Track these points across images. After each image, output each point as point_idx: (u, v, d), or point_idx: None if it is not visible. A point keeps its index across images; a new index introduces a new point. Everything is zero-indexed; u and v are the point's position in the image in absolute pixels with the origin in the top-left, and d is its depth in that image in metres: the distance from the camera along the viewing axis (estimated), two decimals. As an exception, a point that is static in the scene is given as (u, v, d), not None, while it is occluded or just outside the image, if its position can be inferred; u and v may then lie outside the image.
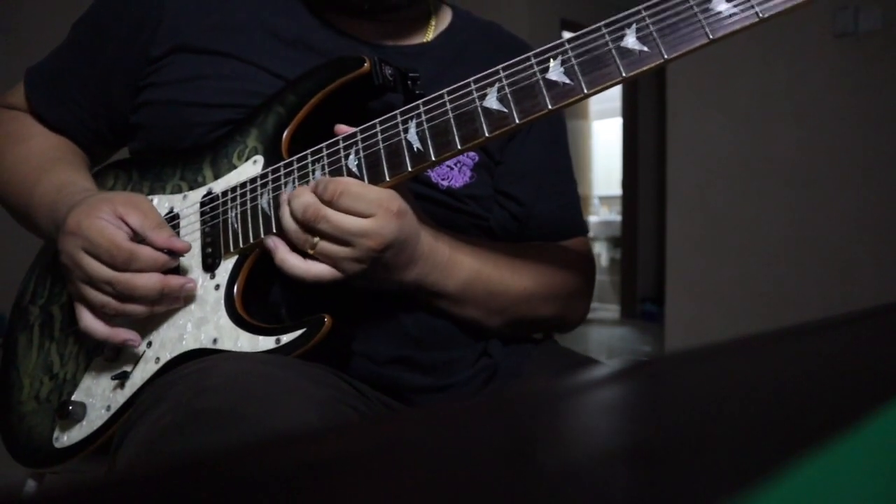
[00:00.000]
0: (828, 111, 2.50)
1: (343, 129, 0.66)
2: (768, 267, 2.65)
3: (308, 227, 0.62)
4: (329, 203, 0.61)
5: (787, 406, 0.23)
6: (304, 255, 0.64)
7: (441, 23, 0.84)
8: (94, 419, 0.71)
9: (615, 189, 5.52)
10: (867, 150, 2.42)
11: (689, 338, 2.88)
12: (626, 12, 0.59)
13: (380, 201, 0.62)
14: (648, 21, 0.57)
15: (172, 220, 0.74)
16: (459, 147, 0.61)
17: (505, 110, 0.60)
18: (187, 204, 0.74)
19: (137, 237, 0.67)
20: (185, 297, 0.69)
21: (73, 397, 0.74)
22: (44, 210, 0.74)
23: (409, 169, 0.63)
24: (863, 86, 2.42)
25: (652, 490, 0.15)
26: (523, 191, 0.83)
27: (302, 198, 0.62)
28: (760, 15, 0.55)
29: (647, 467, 0.17)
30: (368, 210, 0.61)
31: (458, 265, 0.71)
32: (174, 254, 0.68)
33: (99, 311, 0.68)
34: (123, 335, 0.69)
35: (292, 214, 0.63)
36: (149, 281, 0.66)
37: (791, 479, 0.15)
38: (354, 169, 0.64)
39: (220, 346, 0.66)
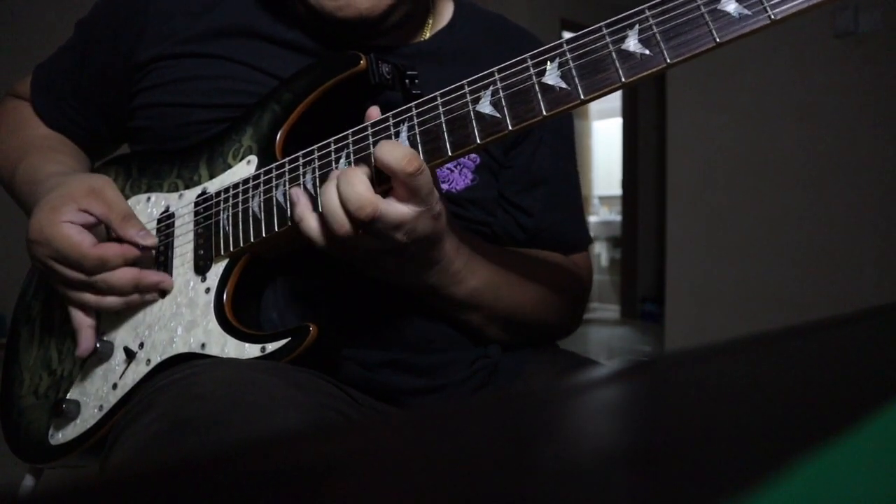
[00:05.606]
0: (828, 111, 2.50)
1: (375, 113, 0.64)
2: (769, 267, 2.65)
3: (360, 223, 0.57)
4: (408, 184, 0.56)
5: (787, 406, 0.22)
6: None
7: (440, 20, 0.81)
8: (88, 418, 0.71)
9: (615, 189, 5.53)
10: (867, 150, 2.42)
11: (689, 338, 2.89)
12: (629, 12, 0.55)
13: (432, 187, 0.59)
14: (652, 22, 0.54)
15: (168, 218, 0.74)
16: (450, 153, 0.58)
17: (498, 115, 0.57)
18: (183, 203, 0.73)
19: (106, 233, 0.68)
20: (164, 291, 0.71)
21: (69, 395, 0.74)
22: (23, 199, 0.77)
23: None
24: (863, 86, 2.42)
25: (652, 490, 0.15)
26: (534, 202, 0.81)
27: (359, 192, 0.57)
28: (773, 17, 0.51)
29: (647, 468, 0.17)
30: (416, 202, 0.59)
31: (474, 271, 0.69)
32: (143, 248, 0.69)
33: (86, 309, 0.70)
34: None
35: (343, 203, 0.57)
36: (122, 278, 0.68)
37: (791, 479, 0.15)
38: None
39: (207, 350, 0.66)
